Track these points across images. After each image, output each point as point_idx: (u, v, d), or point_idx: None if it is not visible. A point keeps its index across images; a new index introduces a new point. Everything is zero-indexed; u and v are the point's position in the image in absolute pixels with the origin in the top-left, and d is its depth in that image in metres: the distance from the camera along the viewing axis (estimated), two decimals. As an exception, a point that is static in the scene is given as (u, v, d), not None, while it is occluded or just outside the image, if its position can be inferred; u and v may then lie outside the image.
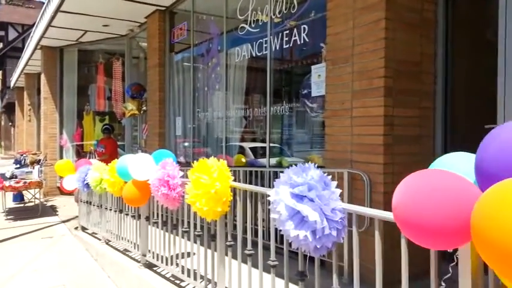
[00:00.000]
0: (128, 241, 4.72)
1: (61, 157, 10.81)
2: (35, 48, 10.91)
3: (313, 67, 3.95)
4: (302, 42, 4.19)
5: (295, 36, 4.27)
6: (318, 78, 3.83)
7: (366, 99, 3.15)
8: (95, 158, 8.62)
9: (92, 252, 5.55)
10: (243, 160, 5.72)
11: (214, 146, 6.35)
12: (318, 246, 1.69)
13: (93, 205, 6.02)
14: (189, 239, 3.29)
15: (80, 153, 10.68)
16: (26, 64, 13.63)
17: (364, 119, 3.16)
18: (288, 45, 4.40)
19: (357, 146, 3.21)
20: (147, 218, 4.03)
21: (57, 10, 7.22)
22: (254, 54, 4.99)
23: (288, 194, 1.75)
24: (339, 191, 1.73)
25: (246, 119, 5.39)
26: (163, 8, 7.16)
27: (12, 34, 26.74)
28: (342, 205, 1.70)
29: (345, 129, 3.32)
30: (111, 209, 5.23)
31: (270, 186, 4.43)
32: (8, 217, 7.95)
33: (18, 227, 7.27)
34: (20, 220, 7.75)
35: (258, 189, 2.40)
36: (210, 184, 2.48)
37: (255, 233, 2.55)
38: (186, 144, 7.04)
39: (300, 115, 4.54)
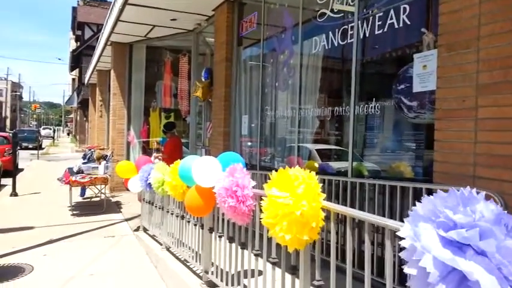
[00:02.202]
0: (190, 249, 4.28)
1: (128, 153, 10.83)
2: (106, 44, 11.03)
3: (416, 56, 3.19)
4: (401, 25, 3.45)
5: (391, 18, 3.54)
6: (424, 70, 3.08)
7: (500, 96, 2.37)
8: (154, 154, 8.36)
9: (152, 258, 5.20)
10: (316, 165, 5.07)
11: (283, 147, 5.76)
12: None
13: (155, 206, 5.69)
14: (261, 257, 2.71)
15: (146, 150, 10.61)
16: (98, 61, 13.98)
17: (496, 122, 2.39)
18: (381, 31, 3.67)
19: (484, 158, 2.44)
20: (211, 230, 3.53)
21: (125, 3, 7.03)
22: (336, 44, 4.31)
23: (436, 238, 1.10)
24: (529, 240, 1.05)
25: (323, 119, 4.73)
26: (232, -1, 6.71)
27: (88, 33, 28.16)
28: (540, 267, 1.02)
29: (465, 135, 2.56)
30: (172, 213, 4.84)
31: (353, 200, 3.75)
32: (74, 212, 7.94)
33: (82, 223, 7.19)
34: (84, 216, 7.70)
35: (368, 216, 1.74)
36: (294, 204, 1.88)
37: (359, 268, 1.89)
38: (252, 144, 6.52)
39: (390, 115, 3.80)
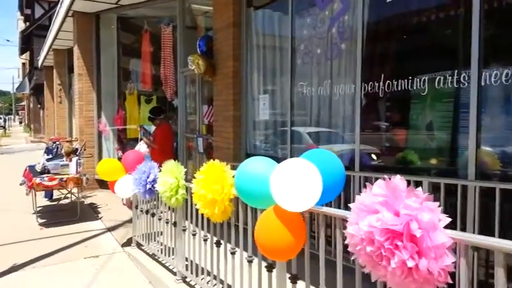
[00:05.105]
0: None
1: (100, 145, 9.17)
2: (66, 15, 9.18)
3: None
4: None
5: None
6: None
7: None
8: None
9: (161, 292, 3.82)
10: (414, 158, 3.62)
11: (328, 137, 4.45)
12: None
13: (159, 218, 4.28)
14: None
15: (122, 140, 8.98)
16: (55, 37, 11.99)
17: None
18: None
19: None
20: (295, 279, 2.18)
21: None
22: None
23: None
24: None
25: (405, 94, 3.41)
26: None
27: (38, 12, 25.41)
28: None
29: None
30: (194, 233, 3.45)
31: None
32: (41, 221, 6.33)
33: (54, 236, 5.62)
34: (55, 225, 6.10)
35: None
36: None
37: None
38: (276, 131, 5.18)
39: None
